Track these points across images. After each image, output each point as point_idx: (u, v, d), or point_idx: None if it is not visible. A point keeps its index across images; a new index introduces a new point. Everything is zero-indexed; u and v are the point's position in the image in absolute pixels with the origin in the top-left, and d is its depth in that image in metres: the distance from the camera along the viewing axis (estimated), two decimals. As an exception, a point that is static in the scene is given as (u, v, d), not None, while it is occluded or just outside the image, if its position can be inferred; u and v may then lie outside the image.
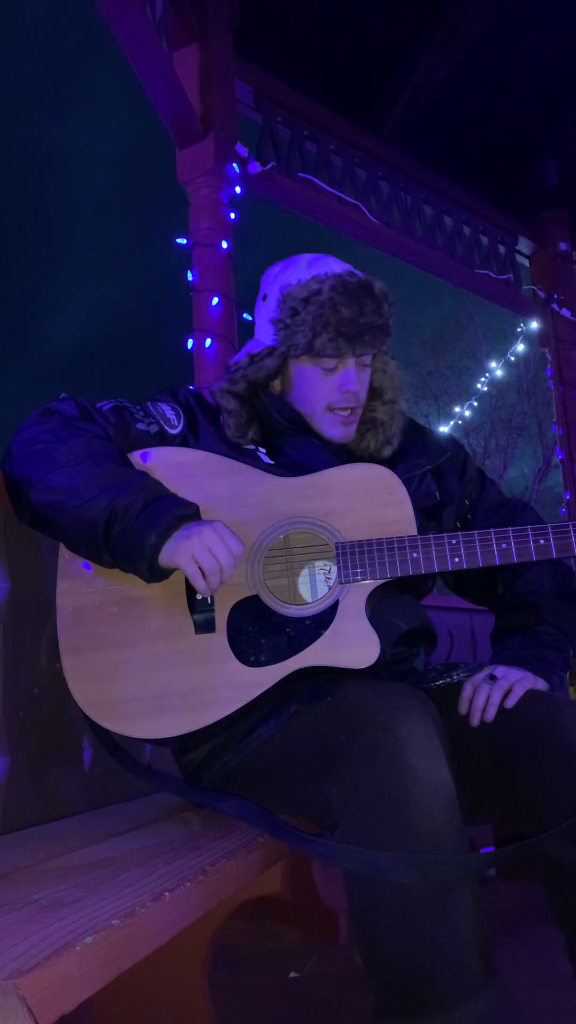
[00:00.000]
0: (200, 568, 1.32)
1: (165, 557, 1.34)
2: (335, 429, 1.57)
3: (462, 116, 4.55)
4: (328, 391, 1.54)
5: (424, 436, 1.68)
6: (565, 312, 5.49)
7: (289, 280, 1.56)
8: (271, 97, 4.12)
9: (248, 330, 1.73)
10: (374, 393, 1.63)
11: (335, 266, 1.57)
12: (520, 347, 6.72)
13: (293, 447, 1.55)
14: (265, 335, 1.59)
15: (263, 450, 1.54)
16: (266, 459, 1.52)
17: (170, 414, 1.57)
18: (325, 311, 1.48)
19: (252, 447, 1.54)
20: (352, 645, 1.36)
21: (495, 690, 1.40)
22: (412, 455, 1.60)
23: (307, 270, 1.56)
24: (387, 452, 1.61)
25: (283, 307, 1.53)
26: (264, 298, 1.61)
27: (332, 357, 1.52)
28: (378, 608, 1.42)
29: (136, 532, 1.32)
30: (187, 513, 1.35)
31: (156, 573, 1.36)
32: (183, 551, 1.32)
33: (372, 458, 1.60)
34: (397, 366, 1.65)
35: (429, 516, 1.55)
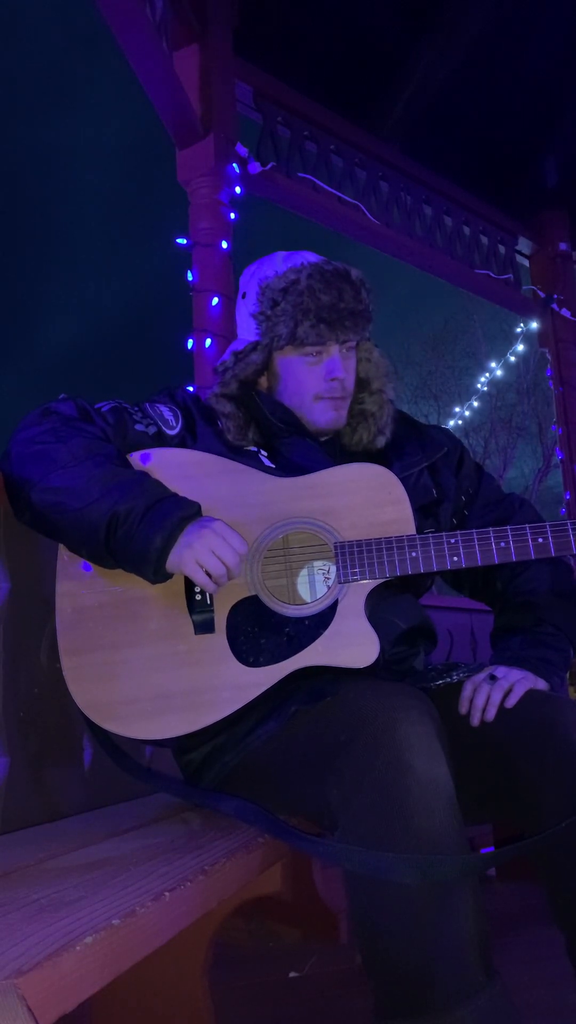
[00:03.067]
0: (207, 572, 1.33)
1: (171, 565, 1.34)
2: (325, 415, 1.56)
3: (462, 116, 4.56)
4: (315, 381, 1.55)
5: (420, 432, 1.67)
6: (565, 312, 5.49)
7: (266, 274, 1.57)
8: (271, 97, 4.12)
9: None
10: (361, 384, 1.63)
11: (311, 257, 1.58)
12: (520, 347, 6.72)
13: (289, 448, 1.55)
14: (248, 332, 1.60)
15: (264, 453, 1.54)
16: (268, 462, 1.52)
17: (168, 415, 1.57)
18: (304, 299, 1.50)
19: (254, 449, 1.54)
20: (352, 645, 1.36)
21: (495, 690, 1.40)
22: (408, 452, 1.60)
23: (283, 263, 1.57)
24: (381, 442, 1.61)
25: (262, 299, 1.55)
26: (243, 296, 1.62)
27: (315, 344, 1.52)
28: (377, 607, 1.42)
29: (139, 537, 1.32)
30: (189, 514, 1.35)
31: (162, 575, 1.36)
32: (187, 560, 1.32)
33: (366, 451, 1.60)
34: (381, 354, 1.66)
35: (426, 514, 1.55)
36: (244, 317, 1.61)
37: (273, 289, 1.53)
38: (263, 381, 1.61)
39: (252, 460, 1.52)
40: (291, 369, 1.56)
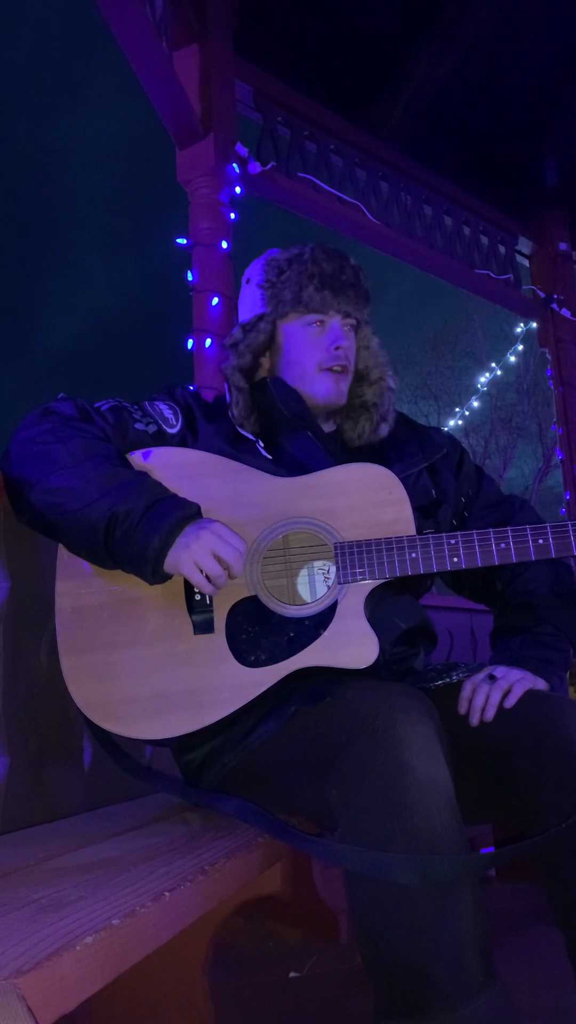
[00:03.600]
0: (204, 574, 1.33)
1: (169, 565, 1.34)
2: (326, 386, 1.59)
3: (462, 116, 4.55)
4: (318, 350, 1.59)
5: (419, 433, 1.68)
6: (565, 312, 5.49)
7: (272, 253, 1.65)
8: (271, 97, 4.12)
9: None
10: (360, 376, 1.66)
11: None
12: (520, 347, 6.72)
13: (292, 443, 1.56)
14: (253, 308, 1.64)
15: (261, 443, 1.55)
16: (264, 453, 1.53)
17: (168, 414, 1.57)
18: (309, 266, 1.58)
19: (252, 437, 1.55)
20: (352, 645, 1.36)
21: (495, 690, 1.40)
22: (408, 453, 1.61)
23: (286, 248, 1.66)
24: (384, 430, 1.63)
25: (269, 270, 1.62)
26: (247, 281, 1.67)
27: (318, 311, 1.58)
28: (377, 608, 1.42)
29: (138, 537, 1.32)
30: (188, 514, 1.35)
31: (160, 576, 1.36)
32: (185, 560, 1.32)
33: (368, 444, 1.62)
34: (379, 343, 1.70)
35: (426, 514, 1.56)
36: (247, 298, 1.66)
37: (279, 260, 1.62)
38: (265, 361, 1.63)
39: (251, 451, 1.52)
40: (295, 338, 1.60)
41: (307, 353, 1.59)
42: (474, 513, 1.67)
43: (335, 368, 1.58)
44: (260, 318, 1.62)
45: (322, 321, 1.59)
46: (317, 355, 1.58)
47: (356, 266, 1.62)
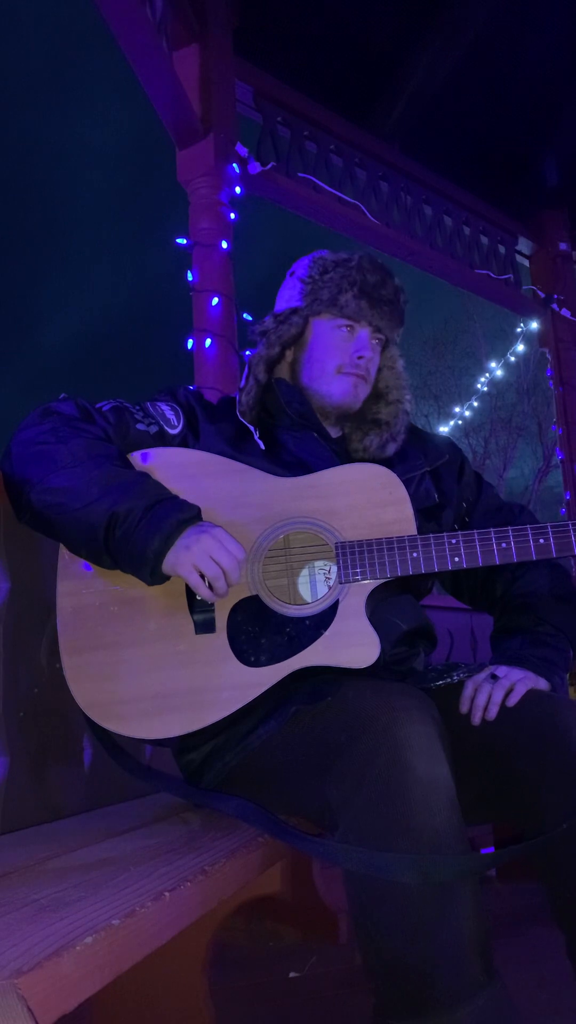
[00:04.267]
0: (202, 575, 1.32)
1: (167, 567, 1.34)
2: (344, 387, 1.59)
3: (462, 116, 4.56)
4: (343, 352, 1.59)
5: (422, 439, 1.69)
6: (565, 312, 5.49)
7: (320, 253, 1.65)
8: (271, 97, 4.12)
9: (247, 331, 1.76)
10: (378, 395, 1.65)
11: None
12: (520, 347, 6.72)
13: (295, 442, 1.56)
14: (289, 300, 1.64)
15: (257, 432, 1.55)
16: (260, 442, 1.53)
17: (169, 414, 1.57)
18: (352, 273, 1.58)
19: (251, 427, 1.56)
20: (352, 645, 1.36)
21: (497, 689, 1.40)
22: (411, 457, 1.62)
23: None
24: (391, 449, 1.62)
25: (314, 267, 1.62)
26: (291, 274, 1.67)
27: (352, 318, 1.58)
28: (378, 608, 1.42)
29: (138, 538, 1.32)
30: (189, 516, 1.35)
31: (159, 578, 1.36)
32: (184, 562, 1.32)
33: (373, 458, 1.61)
34: (404, 366, 1.70)
35: (428, 517, 1.56)
36: (287, 289, 1.66)
37: (326, 260, 1.62)
38: (289, 354, 1.63)
39: (251, 451, 1.52)
40: (322, 337, 1.60)
41: (330, 354, 1.59)
42: (475, 518, 1.67)
43: (353, 374, 1.58)
44: (294, 311, 1.62)
45: (352, 327, 1.59)
46: (339, 358, 1.58)
47: (398, 286, 1.62)
